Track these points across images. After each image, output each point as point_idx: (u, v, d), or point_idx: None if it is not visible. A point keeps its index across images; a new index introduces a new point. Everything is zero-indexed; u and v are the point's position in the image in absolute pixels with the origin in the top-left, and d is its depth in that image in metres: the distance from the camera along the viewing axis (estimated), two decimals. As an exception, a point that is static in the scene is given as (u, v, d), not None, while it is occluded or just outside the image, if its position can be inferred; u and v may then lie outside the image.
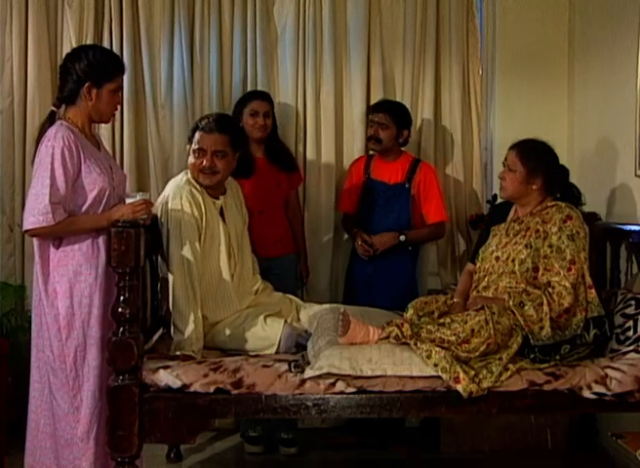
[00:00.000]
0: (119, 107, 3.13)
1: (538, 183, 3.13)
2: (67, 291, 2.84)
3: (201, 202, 3.14)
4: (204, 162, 3.18)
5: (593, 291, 3.02)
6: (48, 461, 2.91)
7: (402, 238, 3.87)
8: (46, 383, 2.90)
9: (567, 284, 2.94)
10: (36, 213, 2.74)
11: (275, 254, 3.73)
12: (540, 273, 3.02)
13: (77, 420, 2.85)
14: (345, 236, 4.26)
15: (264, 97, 3.96)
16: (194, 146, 3.21)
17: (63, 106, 2.97)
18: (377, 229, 3.91)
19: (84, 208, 2.87)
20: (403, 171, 3.99)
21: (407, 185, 3.96)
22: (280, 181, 3.93)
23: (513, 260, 3.07)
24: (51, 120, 2.91)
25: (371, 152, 4.12)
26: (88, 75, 2.89)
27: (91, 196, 2.87)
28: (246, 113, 3.83)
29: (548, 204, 3.14)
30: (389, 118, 3.91)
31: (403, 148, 4.05)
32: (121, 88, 3.04)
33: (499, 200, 3.97)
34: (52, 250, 2.86)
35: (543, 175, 3.13)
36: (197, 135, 3.22)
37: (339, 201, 4.21)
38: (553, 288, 2.96)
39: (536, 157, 3.14)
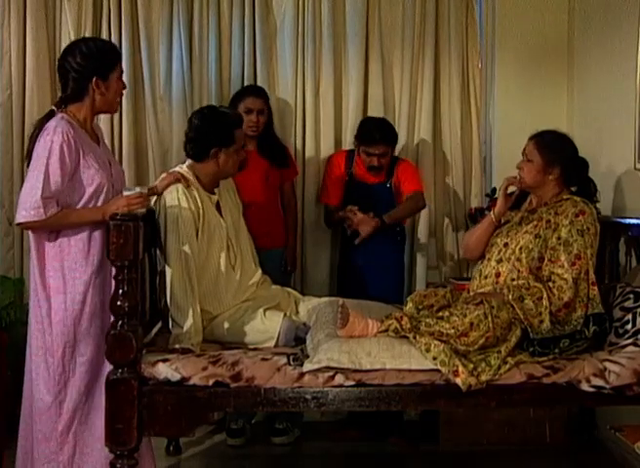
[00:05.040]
0: (125, 104, 3.12)
1: (555, 174, 3.13)
2: (61, 286, 2.83)
3: (197, 196, 3.14)
4: (243, 154, 3.31)
5: (596, 288, 3.01)
6: (25, 451, 2.92)
7: (385, 218, 3.83)
8: (30, 375, 2.90)
9: (568, 278, 2.94)
10: (28, 207, 2.73)
11: (263, 247, 3.67)
12: (544, 264, 3.03)
13: (59, 414, 2.85)
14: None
15: (259, 93, 3.95)
16: (238, 144, 3.24)
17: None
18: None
19: (81, 203, 2.85)
20: (384, 170, 4.01)
21: (388, 185, 4.00)
22: (269, 175, 3.92)
23: (521, 249, 3.07)
24: (49, 118, 2.88)
25: (350, 146, 4.13)
26: (92, 70, 2.86)
27: (88, 191, 2.85)
28: (240, 109, 3.80)
29: (564, 196, 3.14)
30: (388, 147, 3.92)
31: None
32: (123, 71, 3.02)
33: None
34: (47, 244, 2.85)
35: (561, 165, 3.13)
36: (238, 132, 3.25)
37: (322, 194, 4.18)
38: (554, 282, 2.96)
39: (553, 148, 3.14)
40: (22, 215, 2.75)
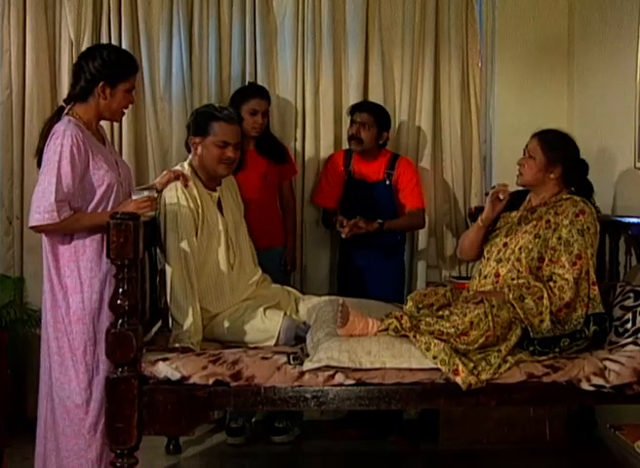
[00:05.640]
0: (130, 106, 3.12)
1: (556, 173, 3.13)
2: (78, 285, 2.87)
3: (196, 194, 3.14)
4: (228, 153, 3.18)
5: (596, 287, 3.01)
6: (51, 451, 2.92)
7: (379, 221, 3.85)
8: (49, 374, 2.91)
9: (569, 278, 2.94)
10: (42, 210, 2.76)
11: (263, 246, 3.67)
12: (544, 264, 3.03)
13: (86, 412, 2.87)
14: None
15: (264, 94, 3.95)
16: (217, 138, 3.16)
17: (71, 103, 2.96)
18: None
19: (92, 204, 2.89)
20: (383, 168, 4.03)
21: (387, 182, 4.00)
22: (267, 174, 3.92)
23: (520, 248, 3.07)
24: (58, 115, 2.91)
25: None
26: (102, 74, 2.90)
27: (99, 192, 2.89)
28: (245, 110, 3.80)
29: (563, 196, 3.14)
30: (372, 118, 3.93)
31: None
32: (134, 87, 3.03)
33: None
34: (62, 245, 2.88)
35: (563, 165, 3.13)
36: (218, 125, 3.17)
37: (316, 195, 4.19)
38: (555, 282, 2.96)
39: (557, 147, 3.14)
40: (36, 219, 2.78)
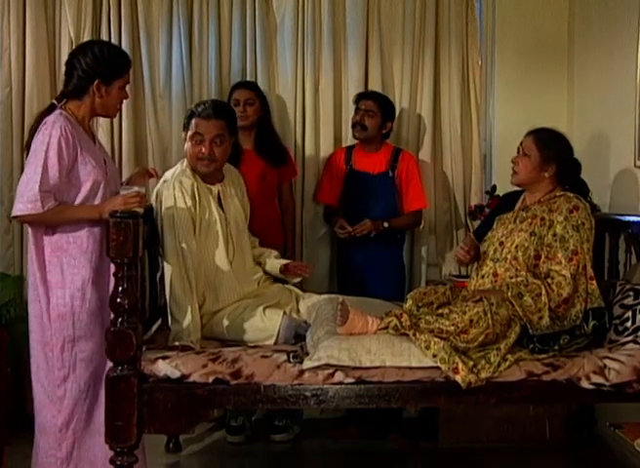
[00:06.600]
0: (130, 105, 3.11)
1: (550, 171, 3.14)
2: (60, 282, 2.83)
3: (195, 190, 3.15)
4: (202, 150, 3.17)
5: (594, 282, 3.01)
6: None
7: (385, 224, 3.91)
8: (34, 369, 2.90)
9: (567, 274, 2.95)
10: (25, 200, 2.73)
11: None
12: (541, 261, 3.03)
13: (59, 410, 2.85)
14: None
15: (246, 85, 3.99)
16: (191, 131, 3.19)
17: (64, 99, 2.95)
18: (364, 219, 3.93)
19: (78, 199, 2.85)
20: (385, 160, 4.04)
21: (390, 174, 4.01)
22: (266, 173, 3.92)
23: (517, 247, 3.08)
24: (49, 111, 2.88)
25: (350, 143, 4.14)
26: (97, 72, 2.87)
27: (85, 188, 2.84)
28: (230, 103, 3.82)
29: (557, 193, 3.14)
30: (377, 106, 3.97)
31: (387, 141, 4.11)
32: (128, 82, 3.02)
33: (499, 191, 3.99)
34: (46, 238, 2.85)
35: (557, 163, 3.13)
36: (194, 121, 3.19)
37: (318, 192, 4.21)
38: (552, 278, 2.97)
39: (552, 145, 3.15)
40: (19, 208, 2.75)
